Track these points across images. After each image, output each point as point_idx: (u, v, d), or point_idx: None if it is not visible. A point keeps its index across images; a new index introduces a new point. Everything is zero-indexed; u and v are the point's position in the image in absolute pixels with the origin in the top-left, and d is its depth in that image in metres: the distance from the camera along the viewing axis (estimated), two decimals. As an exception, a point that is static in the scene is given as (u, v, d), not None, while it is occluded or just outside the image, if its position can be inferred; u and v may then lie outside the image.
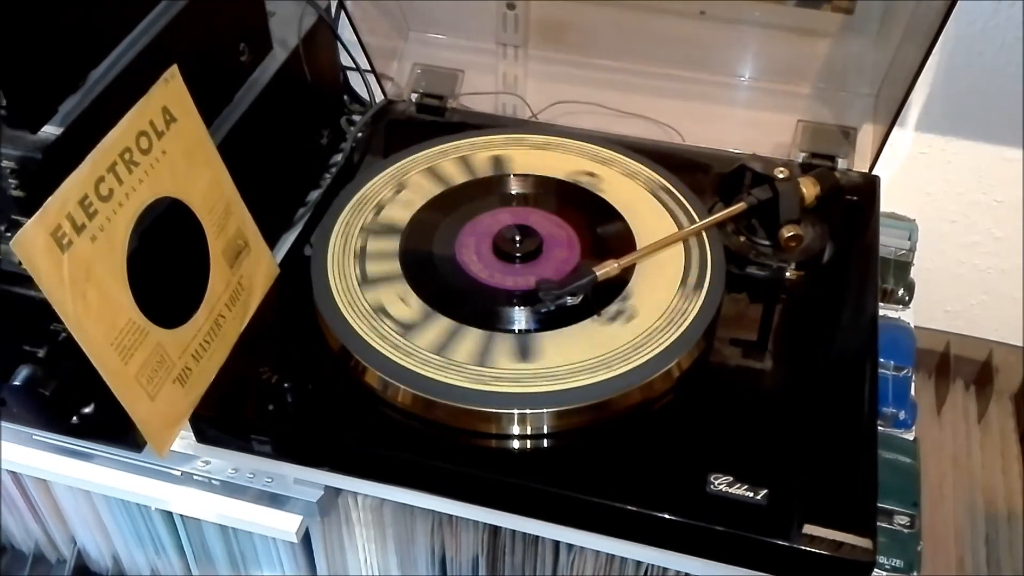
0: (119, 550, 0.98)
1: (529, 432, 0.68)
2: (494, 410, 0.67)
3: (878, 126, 0.87)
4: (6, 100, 0.60)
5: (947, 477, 0.96)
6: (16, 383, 0.69)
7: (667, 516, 0.63)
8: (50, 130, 0.62)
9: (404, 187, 0.84)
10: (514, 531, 0.77)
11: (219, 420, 0.71)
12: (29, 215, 0.55)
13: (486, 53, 0.98)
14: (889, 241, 0.90)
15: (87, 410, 0.72)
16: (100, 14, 0.67)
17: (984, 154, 1.01)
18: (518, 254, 0.77)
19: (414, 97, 0.98)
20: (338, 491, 0.78)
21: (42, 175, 0.60)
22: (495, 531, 0.78)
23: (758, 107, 0.92)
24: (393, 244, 0.79)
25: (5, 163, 0.61)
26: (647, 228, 0.80)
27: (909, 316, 0.87)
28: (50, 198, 0.56)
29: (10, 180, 0.61)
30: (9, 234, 0.64)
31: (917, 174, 1.04)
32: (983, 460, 0.99)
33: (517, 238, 0.78)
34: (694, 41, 0.91)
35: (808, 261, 0.80)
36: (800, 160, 0.88)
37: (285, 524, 0.77)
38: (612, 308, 0.73)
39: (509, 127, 0.93)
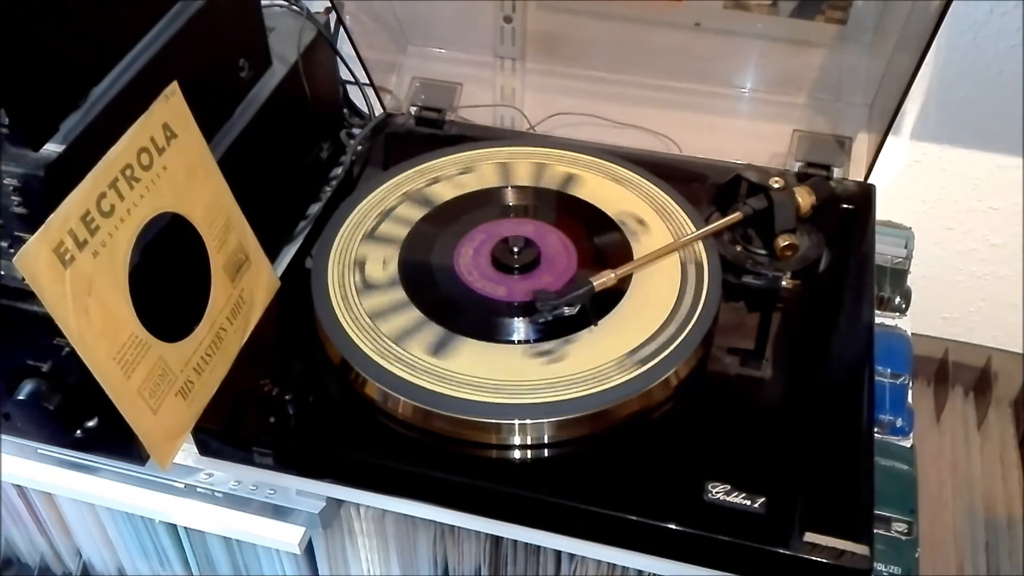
0: (124, 563, 0.98)
1: (529, 442, 0.68)
2: (494, 421, 0.67)
3: (873, 135, 0.88)
4: (8, 118, 0.61)
5: (947, 484, 0.96)
6: (20, 397, 0.69)
7: (665, 525, 0.63)
8: (52, 147, 0.63)
9: (403, 200, 0.85)
10: (516, 541, 0.77)
11: (221, 433, 0.71)
12: (32, 231, 0.56)
13: (484, 66, 0.98)
14: (885, 249, 0.91)
15: (91, 424, 0.73)
16: (101, 32, 0.68)
17: (979, 162, 1.01)
18: (516, 265, 0.78)
19: (413, 110, 0.99)
20: (340, 502, 0.78)
21: (44, 192, 0.61)
22: (497, 541, 0.79)
23: (754, 117, 0.93)
24: (393, 256, 0.80)
25: (8, 180, 0.61)
26: (644, 238, 0.80)
27: (906, 324, 0.87)
28: (52, 214, 0.57)
29: (13, 197, 0.62)
30: (12, 250, 0.64)
31: (912, 182, 1.05)
32: (982, 466, 0.99)
33: (515, 249, 0.78)
34: (690, 53, 0.92)
35: (804, 270, 0.80)
36: (796, 170, 0.89)
37: (288, 536, 0.78)
38: (610, 318, 0.74)
39: (507, 139, 0.94)
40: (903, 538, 0.71)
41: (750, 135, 0.93)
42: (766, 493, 0.64)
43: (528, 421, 0.67)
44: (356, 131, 1.02)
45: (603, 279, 0.74)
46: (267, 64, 0.88)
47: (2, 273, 0.66)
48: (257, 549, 0.86)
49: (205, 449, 0.72)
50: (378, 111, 1.01)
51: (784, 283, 0.79)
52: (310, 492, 0.77)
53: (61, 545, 1.01)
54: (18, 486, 0.91)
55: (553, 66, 0.97)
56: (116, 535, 0.94)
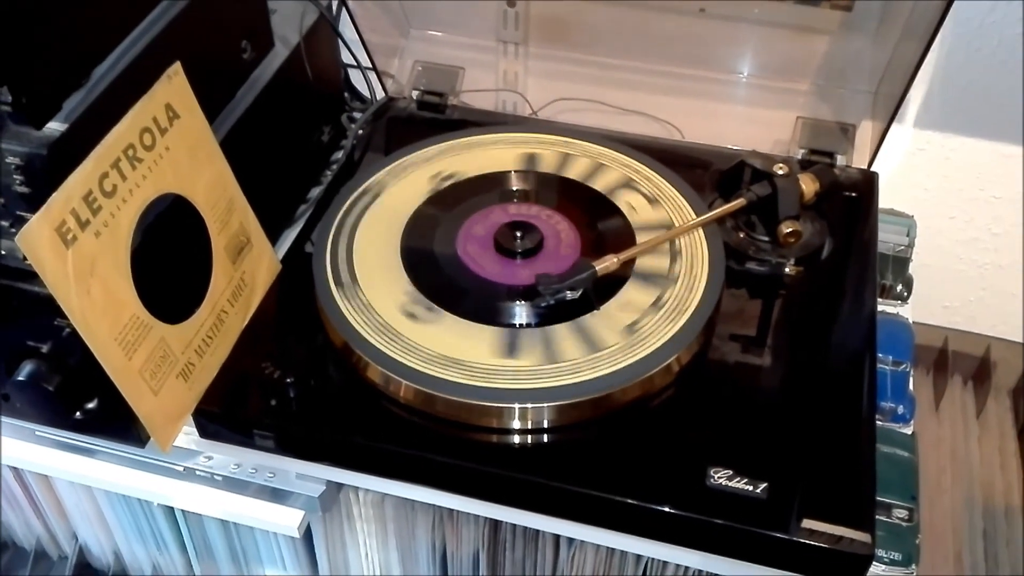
0: (120, 546, 0.98)
1: (529, 426, 0.68)
2: (495, 405, 0.67)
3: (877, 123, 0.88)
4: (11, 96, 0.60)
5: (945, 472, 0.97)
6: (20, 378, 0.69)
7: (667, 509, 0.63)
8: (55, 126, 0.62)
9: (405, 184, 0.85)
10: (515, 525, 0.77)
11: (222, 415, 0.71)
12: (34, 211, 0.56)
13: (487, 50, 0.98)
14: (888, 237, 0.91)
15: (91, 405, 0.72)
16: (104, 11, 0.67)
17: (982, 150, 1.02)
18: (519, 250, 0.77)
19: (415, 94, 0.98)
20: (340, 486, 0.78)
21: (47, 171, 0.61)
22: (496, 525, 0.79)
23: (757, 104, 0.93)
24: (394, 240, 0.79)
25: (10, 159, 0.61)
26: (647, 224, 0.80)
27: (907, 312, 0.88)
28: (55, 194, 0.57)
29: (15, 176, 0.62)
30: (14, 230, 0.64)
31: (916, 170, 1.05)
32: (981, 455, 0.99)
33: (517, 234, 0.78)
34: (694, 38, 0.91)
35: (807, 257, 0.80)
36: (799, 156, 0.89)
37: (287, 519, 0.78)
38: (612, 303, 0.73)
39: (509, 124, 0.94)
40: (904, 524, 0.72)
41: (753, 121, 0.93)
42: (768, 479, 0.64)
43: (529, 405, 0.67)
44: (357, 115, 1.02)
45: (606, 263, 0.74)
46: (269, 46, 0.88)
47: (3, 253, 0.66)
48: (255, 533, 0.86)
49: (205, 432, 0.72)
50: (380, 95, 1.00)
51: (787, 270, 0.79)
52: (310, 476, 0.77)
53: (57, 528, 1.01)
54: (14, 468, 0.91)
55: (556, 51, 0.97)
56: (113, 518, 0.94)
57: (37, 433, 0.81)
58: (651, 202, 0.82)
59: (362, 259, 0.78)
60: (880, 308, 0.84)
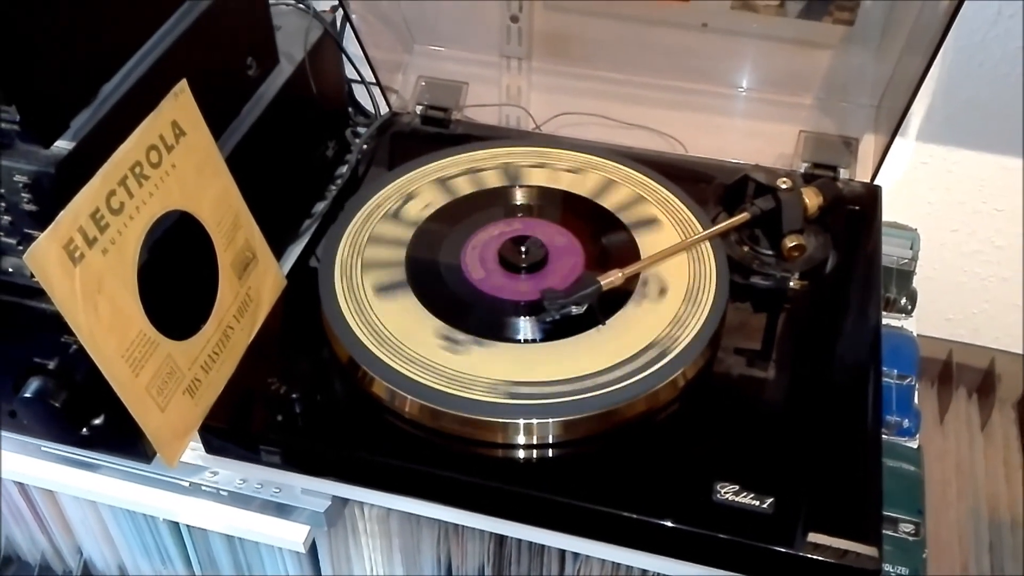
0: (125, 560, 0.98)
1: (535, 442, 0.68)
2: (500, 420, 0.67)
3: (880, 136, 0.88)
4: (20, 115, 0.60)
5: (951, 485, 0.96)
6: (27, 395, 0.69)
7: (673, 524, 0.63)
8: (63, 144, 0.63)
9: (409, 199, 0.85)
10: (520, 540, 0.77)
11: (228, 431, 0.71)
12: (42, 229, 0.56)
13: (490, 66, 0.98)
14: (891, 250, 0.91)
15: (97, 421, 0.73)
16: (111, 29, 0.68)
17: (985, 163, 1.02)
18: (523, 265, 0.78)
19: (418, 109, 0.98)
20: (345, 501, 0.78)
21: (55, 189, 0.61)
22: (501, 540, 0.79)
23: (760, 118, 0.93)
24: (399, 255, 0.79)
25: (18, 177, 0.61)
26: (651, 238, 0.80)
27: (912, 325, 0.88)
28: (62, 212, 0.57)
29: (23, 194, 0.62)
30: (22, 248, 0.64)
31: (918, 184, 1.05)
32: (986, 468, 0.99)
33: (522, 249, 0.78)
34: (697, 53, 0.92)
35: (811, 271, 0.80)
36: (802, 170, 0.89)
37: (292, 534, 0.78)
38: (617, 318, 0.73)
39: (513, 139, 0.94)
40: (911, 539, 0.71)
41: (756, 135, 0.93)
42: (775, 494, 0.64)
43: (534, 421, 0.67)
44: (362, 130, 1.02)
45: (610, 278, 0.74)
46: (274, 62, 0.88)
47: (10, 270, 0.66)
48: (260, 548, 0.86)
49: (211, 447, 0.72)
50: (384, 110, 1.01)
51: (791, 284, 0.79)
52: (316, 491, 0.77)
53: (62, 543, 1.01)
54: (20, 483, 0.91)
55: (559, 66, 0.97)
56: (118, 533, 0.94)
57: (43, 448, 0.81)
58: (655, 216, 0.82)
59: (367, 274, 0.78)
60: (884, 321, 0.84)
